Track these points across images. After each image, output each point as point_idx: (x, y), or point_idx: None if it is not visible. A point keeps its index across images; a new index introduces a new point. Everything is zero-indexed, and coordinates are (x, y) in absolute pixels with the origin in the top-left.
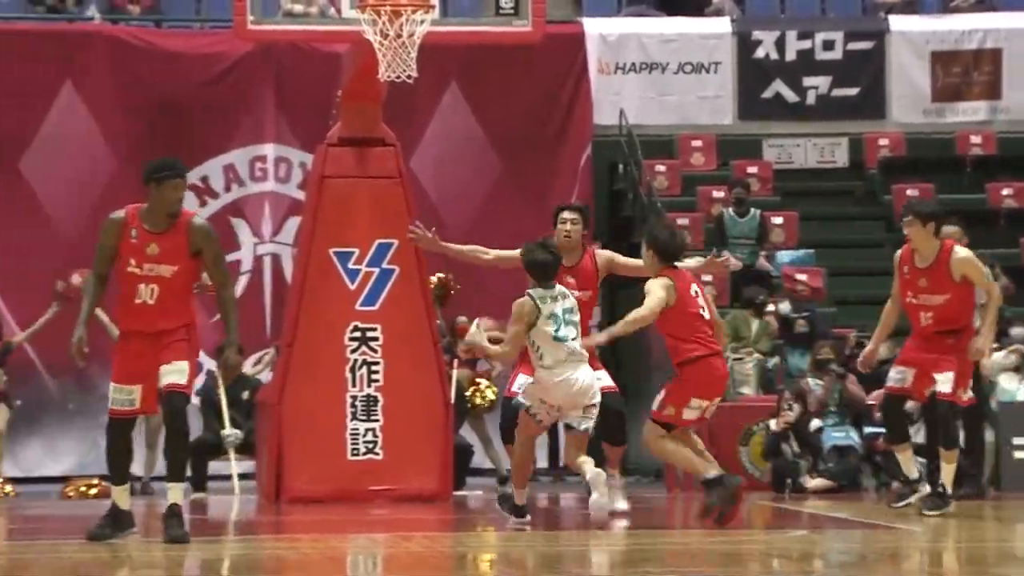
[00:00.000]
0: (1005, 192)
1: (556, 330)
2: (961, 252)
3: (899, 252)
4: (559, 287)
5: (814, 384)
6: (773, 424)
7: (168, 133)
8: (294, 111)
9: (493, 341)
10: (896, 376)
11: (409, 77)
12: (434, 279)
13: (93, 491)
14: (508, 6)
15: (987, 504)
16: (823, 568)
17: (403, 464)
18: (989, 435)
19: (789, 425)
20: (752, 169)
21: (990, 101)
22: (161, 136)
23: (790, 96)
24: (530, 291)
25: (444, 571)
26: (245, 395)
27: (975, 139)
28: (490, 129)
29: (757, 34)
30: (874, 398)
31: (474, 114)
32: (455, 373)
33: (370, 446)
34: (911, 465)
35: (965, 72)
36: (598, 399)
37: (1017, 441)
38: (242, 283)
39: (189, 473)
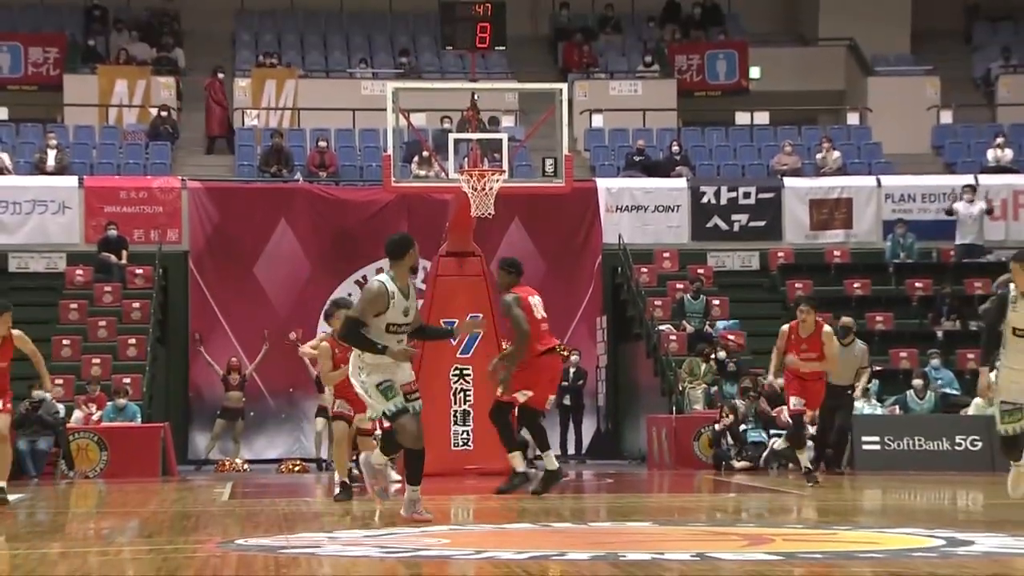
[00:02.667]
0: (856, 285)
1: None
2: (827, 329)
3: (785, 326)
4: None
5: (740, 403)
6: (716, 427)
7: (343, 249)
8: (419, 235)
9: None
10: (796, 402)
11: (489, 214)
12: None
13: (297, 468)
14: (550, 171)
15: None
16: (746, 516)
17: (485, 452)
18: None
19: (726, 427)
20: (701, 271)
21: (845, 229)
22: (339, 251)
23: (723, 225)
24: None
25: (510, 518)
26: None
27: (837, 252)
28: (539, 246)
29: (703, 188)
30: (775, 412)
31: (529, 237)
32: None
33: (465, 441)
34: (805, 459)
35: (830, 212)
36: None
37: (866, 438)
38: None
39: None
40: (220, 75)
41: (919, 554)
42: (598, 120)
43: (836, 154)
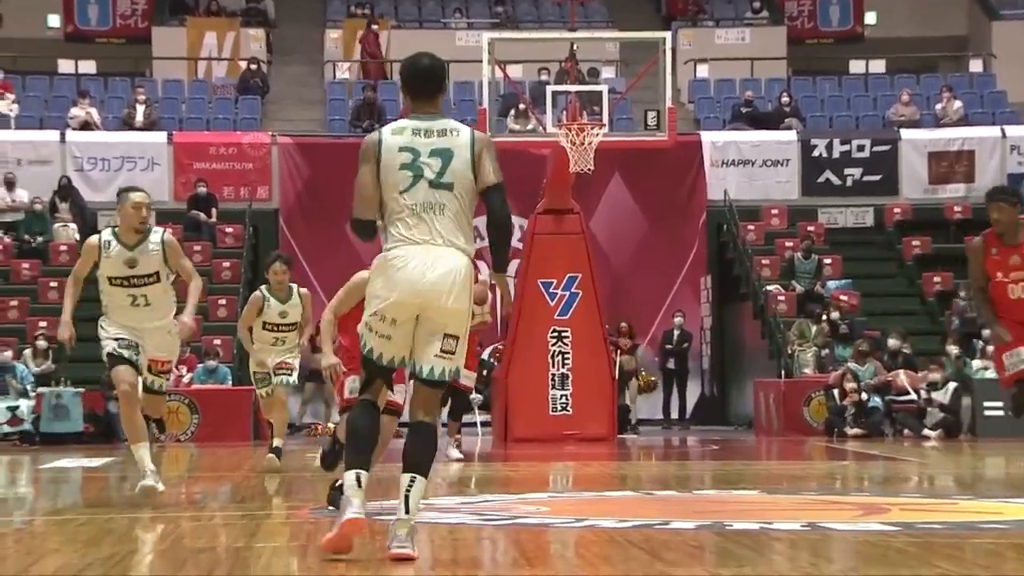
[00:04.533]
0: None
1: None
2: None
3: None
4: None
5: (855, 367)
6: (836, 393)
7: None
8: (515, 192)
9: None
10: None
11: (589, 170)
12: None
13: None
14: (652, 124)
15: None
16: (861, 485)
17: (585, 417)
18: (966, 400)
19: (855, 397)
20: (811, 228)
21: (967, 183)
22: None
23: (835, 180)
24: None
25: (611, 485)
26: (484, 372)
27: (957, 208)
28: (640, 202)
29: (814, 141)
30: (891, 375)
31: (630, 193)
32: (618, 359)
33: (564, 405)
34: None
35: (951, 165)
36: None
37: (988, 403)
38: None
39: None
40: (374, 26)
41: None
42: (703, 70)
43: (957, 104)
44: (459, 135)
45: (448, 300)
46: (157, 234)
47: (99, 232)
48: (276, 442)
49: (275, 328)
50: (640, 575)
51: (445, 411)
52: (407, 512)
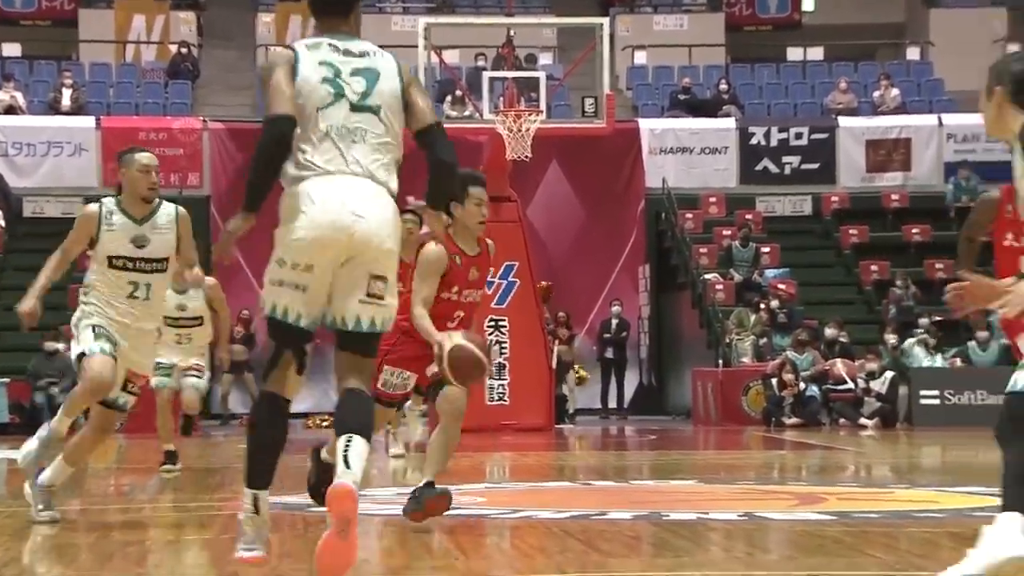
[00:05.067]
0: (915, 231)
1: None
2: None
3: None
4: None
5: (793, 356)
6: (774, 383)
7: None
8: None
9: None
10: None
11: (526, 157)
12: (541, 285)
13: (325, 424)
14: (590, 111)
15: (903, 434)
16: (798, 474)
17: (522, 407)
18: (903, 389)
19: (793, 387)
20: (749, 216)
21: (904, 172)
22: None
23: (774, 168)
24: None
25: (548, 476)
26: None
27: (895, 196)
28: (578, 190)
29: (752, 128)
30: (829, 364)
31: (568, 181)
32: (556, 349)
33: (500, 395)
34: None
35: (888, 153)
36: None
37: (924, 392)
38: None
39: None
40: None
41: (980, 514)
42: (641, 57)
43: (895, 92)
44: (384, 57)
45: (379, 240)
46: (170, 207)
47: (99, 202)
48: (169, 446)
49: (175, 323)
50: (576, 566)
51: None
52: (348, 467)
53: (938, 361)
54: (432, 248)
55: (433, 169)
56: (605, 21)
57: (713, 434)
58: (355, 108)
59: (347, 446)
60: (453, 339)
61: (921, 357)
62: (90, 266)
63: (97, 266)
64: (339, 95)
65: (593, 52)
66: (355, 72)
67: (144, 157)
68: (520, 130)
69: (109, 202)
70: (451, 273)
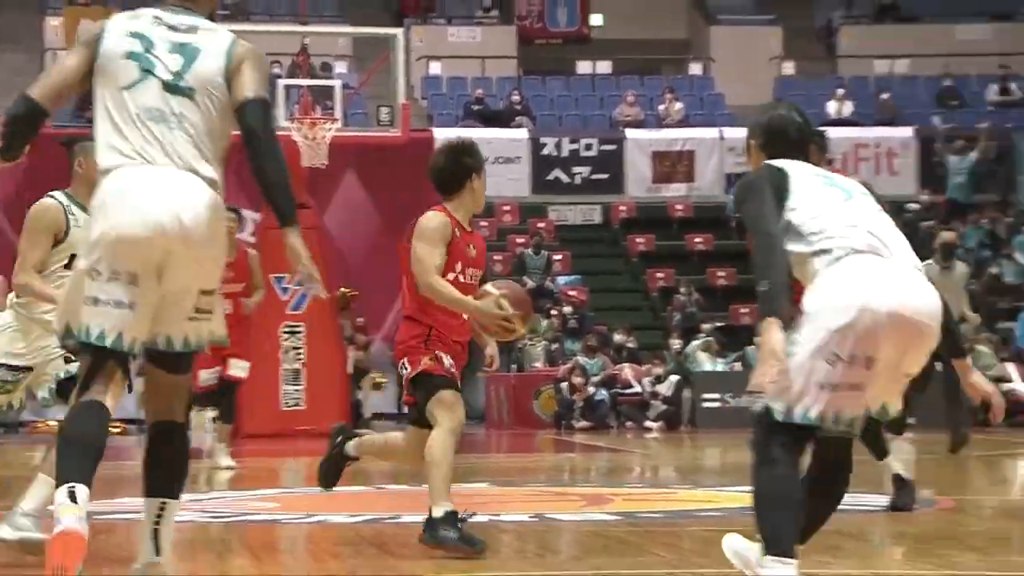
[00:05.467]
0: (698, 240)
1: None
2: None
3: None
4: None
5: (583, 360)
6: (564, 386)
7: None
8: (245, 186)
9: None
10: None
11: (322, 164)
12: (340, 292)
13: (117, 431)
14: (386, 120)
15: (687, 436)
16: (587, 476)
17: (318, 412)
18: (687, 393)
19: (583, 391)
20: (542, 225)
21: (688, 183)
22: None
23: (565, 178)
24: None
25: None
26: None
27: (679, 206)
28: (374, 197)
29: (544, 139)
30: (617, 368)
31: (364, 189)
32: (351, 355)
33: (296, 400)
34: None
35: (673, 164)
36: None
37: (706, 395)
38: None
39: None
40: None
41: (747, 511)
42: (436, 68)
43: (679, 105)
44: (216, 34)
45: (200, 244)
46: None
47: (51, 196)
48: None
49: None
50: (369, 569)
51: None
52: (157, 554)
53: (719, 366)
54: (432, 214)
55: (258, 171)
56: (399, 32)
57: (505, 437)
58: (168, 88)
59: (158, 516)
60: (490, 289)
61: (704, 362)
62: (28, 271)
63: (57, 269)
64: (147, 72)
65: (388, 62)
66: (173, 48)
67: None
68: (315, 138)
69: (60, 195)
70: (454, 245)
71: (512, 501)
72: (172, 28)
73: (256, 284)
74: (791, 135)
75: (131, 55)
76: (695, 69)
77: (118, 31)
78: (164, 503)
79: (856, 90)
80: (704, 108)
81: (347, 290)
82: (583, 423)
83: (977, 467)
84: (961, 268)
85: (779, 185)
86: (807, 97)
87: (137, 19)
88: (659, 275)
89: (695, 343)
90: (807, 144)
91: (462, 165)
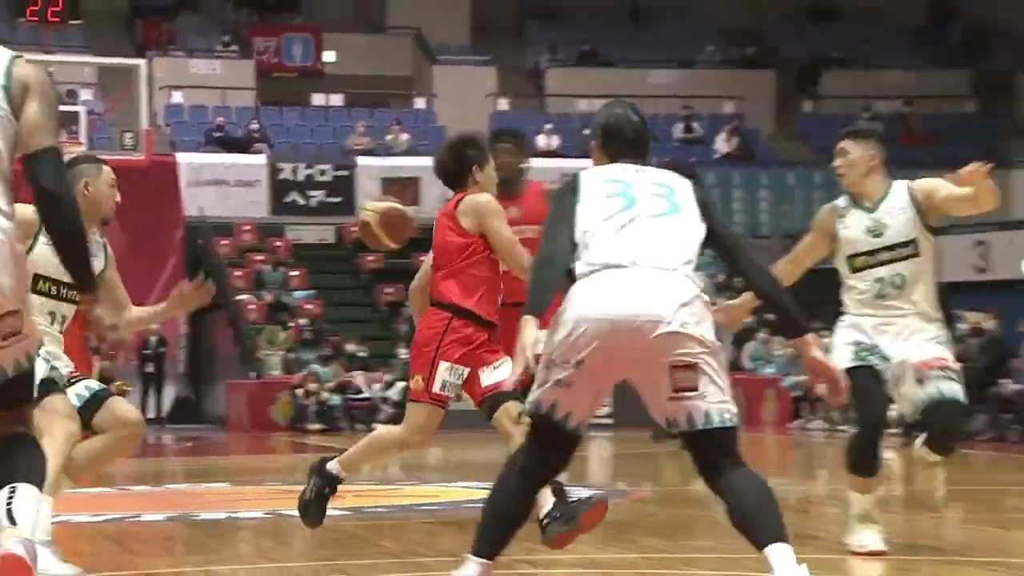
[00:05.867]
0: (422, 258)
1: None
2: None
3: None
4: None
5: (318, 368)
6: (301, 393)
7: None
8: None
9: None
10: None
11: None
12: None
13: None
14: (130, 144)
15: None
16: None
17: None
18: None
19: (317, 396)
20: (279, 243)
21: (414, 206)
22: None
23: (301, 201)
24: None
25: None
26: None
27: None
28: (120, 218)
29: (281, 164)
30: (352, 374)
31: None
32: (97, 364)
33: None
34: None
35: (400, 190)
36: None
37: None
38: None
39: None
40: None
41: (469, 504)
42: (178, 96)
43: (405, 136)
44: None
45: None
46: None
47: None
48: None
49: None
50: (110, 566)
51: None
52: (13, 522)
53: None
54: (482, 196)
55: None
56: (142, 63)
57: (244, 440)
58: None
59: (10, 498)
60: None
61: None
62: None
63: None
64: None
65: (131, 91)
66: None
67: (109, 169)
68: None
69: None
70: None
71: (249, 499)
72: None
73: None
74: (627, 134)
75: None
76: (419, 103)
77: None
78: (15, 487)
79: (562, 126)
80: (427, 139)
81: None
82: (317, 426)
83: (667, 460)
84: None
85: (573, 197)
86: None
87: None
88: (388, 290)
89: None
90: (645, 142)
91: (464, 158)
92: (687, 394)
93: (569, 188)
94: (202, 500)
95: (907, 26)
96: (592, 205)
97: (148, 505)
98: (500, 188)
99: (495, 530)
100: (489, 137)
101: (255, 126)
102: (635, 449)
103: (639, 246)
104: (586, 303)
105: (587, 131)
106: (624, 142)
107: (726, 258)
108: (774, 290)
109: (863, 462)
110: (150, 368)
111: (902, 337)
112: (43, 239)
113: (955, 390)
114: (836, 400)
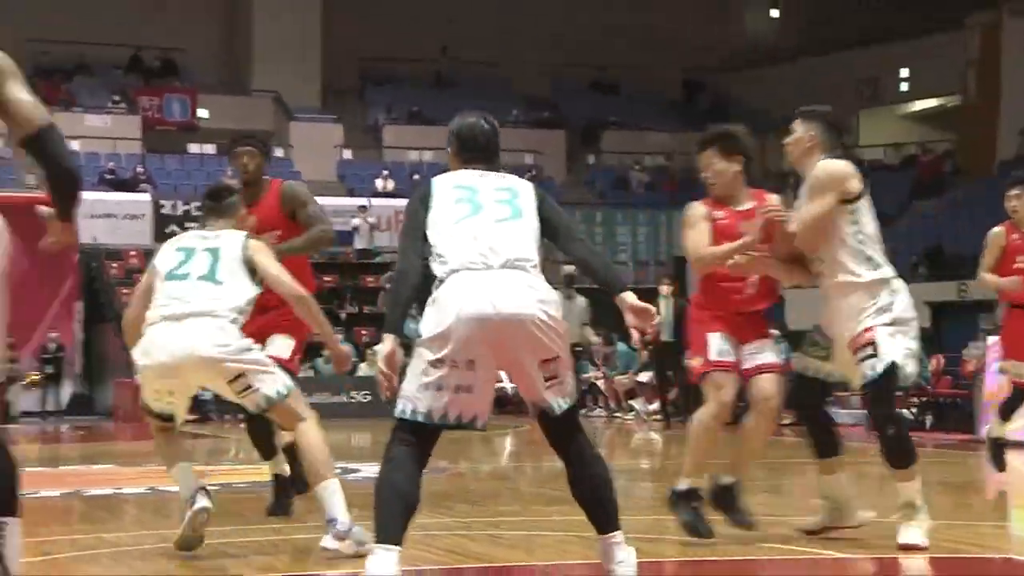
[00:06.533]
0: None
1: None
2: None
3: (998, 229)
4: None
5: None
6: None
7: None
8: None
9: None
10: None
11: None
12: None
13: None
14: (34, 184)
15: None
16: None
17: None
18: None
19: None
20: None
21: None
22: None
23: (179, 231)
24: None
25: None
26: None
27: None
28: (27, 243)
29: (164, 201)
30: None
31: (18, 237)
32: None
33: None
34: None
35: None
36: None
37: None
38: None
39: None
40: None
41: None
42: (75, 145)
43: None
44: None
45: None
46: None
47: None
48: None
49: None
50: None
51: None
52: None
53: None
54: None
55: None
56: None
57: (129, 429)
58: None
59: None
60: None
61: None
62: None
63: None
64: None
65: None
66: None
67: None
68: None
69: None
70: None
71: (133, 478)
72: None
73: None
74: (479, 140)
75: None
76: (279, 153)
77: None
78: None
79: (397, 172)
80: None
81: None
82: (191, 416)
83: (478, 440)
84: (580, 300)
85: (425, 200)
86: (361, 176)
87: None
88: None
89: None
90: (495, 148)
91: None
92: (553, 383)
93: (419, 197)
94: (92, 479)
95: (667, 98)
96: (442, 211)
97: (46, 483)
98: (245, 192)
99: (402, 516)
100: (229, 142)
101: (141, 170)
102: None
103: (489, 248)
104: (456, 304)
105: (417, 176)
106: (475, 148)
107: (554, 239)
108: (593, 258)
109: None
110: (50, 369)
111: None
112: None
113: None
114: (648, 327)
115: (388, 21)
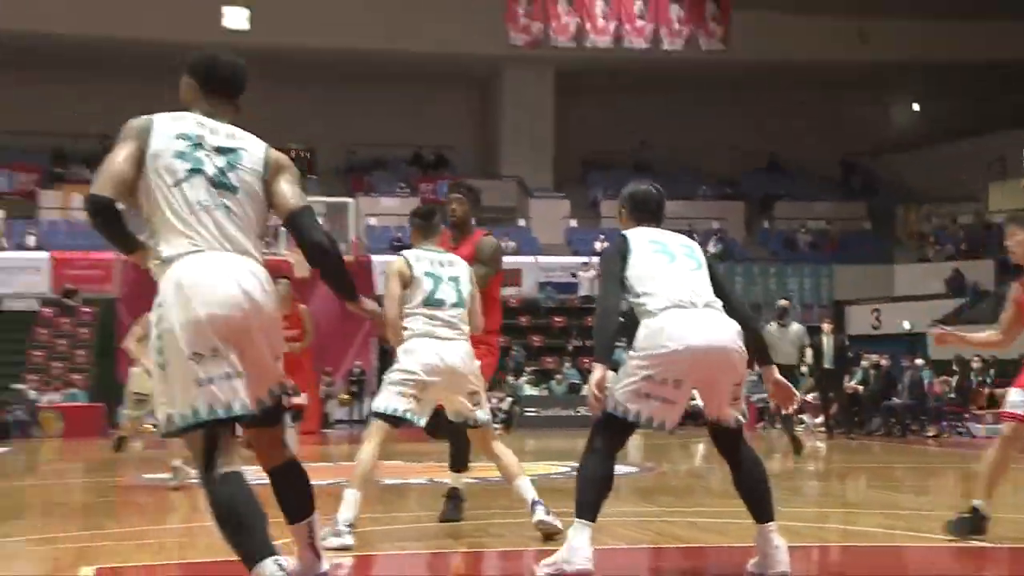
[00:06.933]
0: None
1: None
2: None
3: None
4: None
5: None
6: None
7: None
8: None
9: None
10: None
11: None
12: None
13: None
14: (344, 250)
15: None
16: None
17: None
18: None
19: None
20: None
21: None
22: None
23: None
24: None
25: None
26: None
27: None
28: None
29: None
30: None
31: None
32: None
33: None
34: None
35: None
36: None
37: None
38: None
39: None
40: None
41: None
42: (372, 221)
43: (511, 243)
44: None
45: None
46: None
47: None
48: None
49: None
50: None
51: None
52: None
53: None
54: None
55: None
56: (351, 200)
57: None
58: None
59: None
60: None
61: None
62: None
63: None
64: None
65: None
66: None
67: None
68: None
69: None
70: None
71: None
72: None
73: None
74: (651, 204)
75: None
76: (521, 223)
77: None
78: None
79: (611, 236)
80: (527, 246)
81: None
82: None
83: (677, 446)
84: (796, 327)
85: (623, 251)
86: (583, 240)
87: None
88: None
89: None
90: (662, 211)
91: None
92: (736, 402)
93: (617, 249)
94: (385, 471)
95: (827, 175)
96: (643, 259)
97: (349, 474)
98: (452, 232)
99: (599, 496)
100: (448, 187)
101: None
102: (656, 440)
103: (692, 291)
104: (680, 335)
105: None
106: (648, 211)
107: (719, 295)
108: (749, 323)
109: None
110: (355, 388)
111: None
112: None
113: None
114: (788, 407)
115: (603, 121)
